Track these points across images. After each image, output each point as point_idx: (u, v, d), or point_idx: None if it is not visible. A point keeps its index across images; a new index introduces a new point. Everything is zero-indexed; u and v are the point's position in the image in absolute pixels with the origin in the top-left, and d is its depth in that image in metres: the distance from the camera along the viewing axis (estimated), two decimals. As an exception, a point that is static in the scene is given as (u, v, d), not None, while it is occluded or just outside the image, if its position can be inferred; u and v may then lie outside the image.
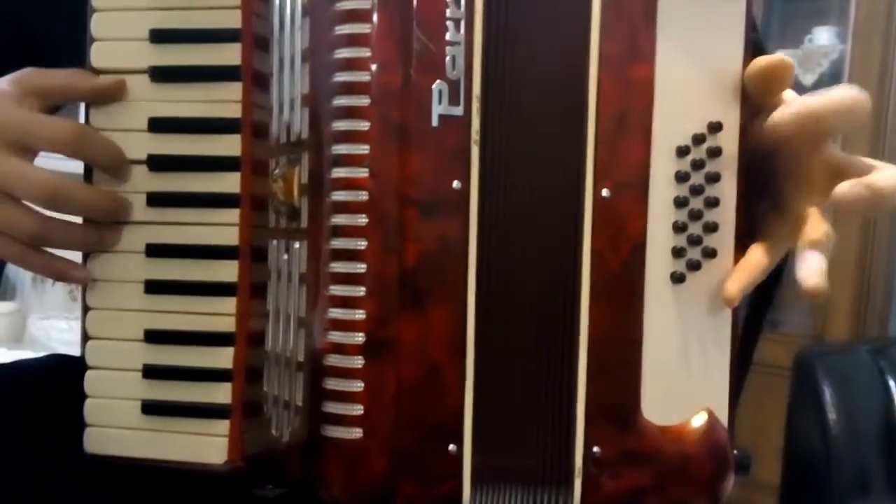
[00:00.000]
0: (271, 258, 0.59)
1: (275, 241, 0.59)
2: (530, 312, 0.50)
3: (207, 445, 0.63)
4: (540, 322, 0.50)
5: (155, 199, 0.65)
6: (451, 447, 0.49)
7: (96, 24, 0.64)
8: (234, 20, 0.62)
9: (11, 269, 3.41)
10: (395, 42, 0.50)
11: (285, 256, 0.57)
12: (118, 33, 0.64)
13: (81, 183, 0.61)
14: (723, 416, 0.52)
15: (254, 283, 0.62)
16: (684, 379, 0.52)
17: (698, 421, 0.52)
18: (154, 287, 0.65)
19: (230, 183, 0.63)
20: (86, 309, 0.66)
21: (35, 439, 0.68)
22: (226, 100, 0.63)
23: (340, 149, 0.51)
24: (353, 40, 0.50)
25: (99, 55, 0.65)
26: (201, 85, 0.64)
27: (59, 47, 0.68)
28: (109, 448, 0.65)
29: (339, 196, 0.51)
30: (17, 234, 0.61)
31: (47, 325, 1.71)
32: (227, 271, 0.63)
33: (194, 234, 0.64)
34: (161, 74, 0.64)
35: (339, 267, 0.51)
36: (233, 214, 0.63)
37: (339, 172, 0.51)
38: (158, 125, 0.64)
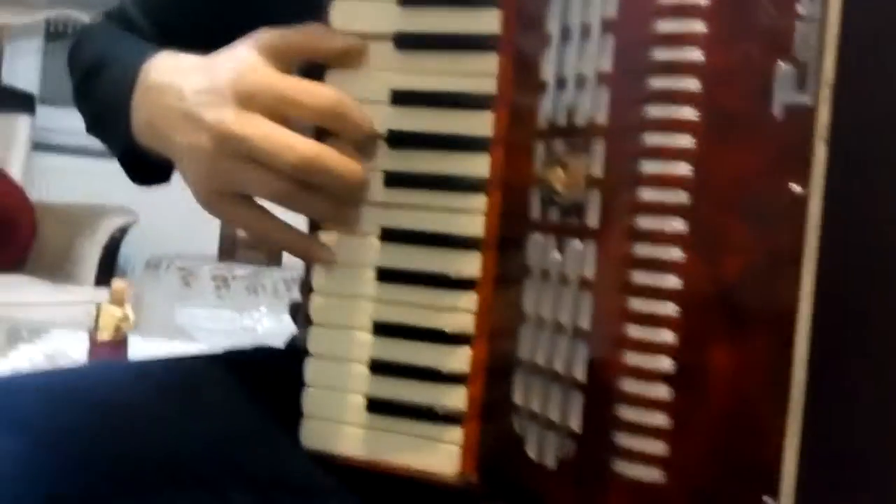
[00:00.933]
0: (532, 254, 0.52)
1: (538, 236, 0.52)
2: (882, 350, 0.42)
3: (438, 452, 0.58)
4: (890, 363, 0.42)
5: (394, 179, 0.59)
6: (766, 499, 0.41)
7: (341, -18, 0.58)
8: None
9: (123, 252, 3.45)
10: (732, 12, 0.42)
11: (557, 255, 0.50)
12: (364, -7, 0.58)
13: (337, 153, 0.56)
14: None
15: (501, 278, 0.56)
16: None
17: None
18: (387, 275, 0.59)
19: (478, 166, 0.57)
20: (308, 290, 0.61)
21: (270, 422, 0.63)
22: (479, 73, 0.56)
23: (654, 139, 0.43)
24: (680, 10, 0.42)
25: (341, 15, 0.59)
26: (452, 55, 0.57)
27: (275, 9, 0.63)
28: (329, 444, 0.60)
29: (648, 194, 0.44)
30: (264, 194, 0.57)
31: (194, 314, 1.70)
32: (470, 264, 0.57)
33: (435, 220, 0.58)
34: (408, 41, 0.58)
35: (643, 278, 0.44)
36: (479, 201, 0.57)
37: (650, 167, 0.44)
38: (401, 98, 0.58)
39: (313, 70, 0.59)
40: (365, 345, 0.60)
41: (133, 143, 0.65)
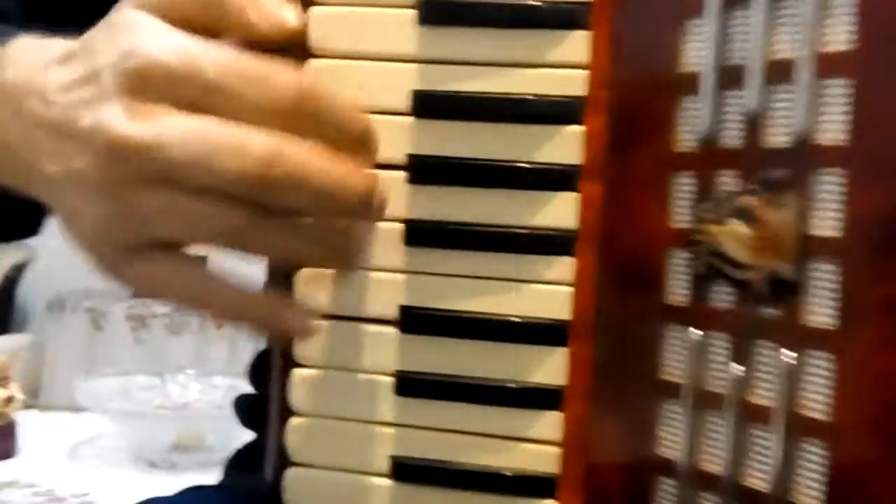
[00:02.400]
0: (671, 363, 0.31)
1: (681, 331, 0.31)
2: None
3: None
4: None
5: (419, 233, 0.37)
6: None
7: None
8: None
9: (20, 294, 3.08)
10: None
11: (735, 369, 0.29)
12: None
13: (315, 148, 0.33)
14: None
15: (605, 398, 0.35)
16: None
17: None
18: (412, 385, 0.37)
19: (560, 212, 0.36)
20: (284, 413, 0.39)
21: None
22: (556, 62, 0.35)
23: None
24: None
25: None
26: (506, 34, 0.36)
27: None
28: None
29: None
30: (198, 236, 0.34)
31: (98, 390, 1.36)
32: (547, 368, 0.36)
33: (486, 297, 0.36)
34: (436, 7, 0.36)
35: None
36: (560, 268, 0.36)
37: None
38: (426, 103, 0.36)
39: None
40: (380, 496, 0.38)
41: None
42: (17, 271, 2.96)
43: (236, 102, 0.33)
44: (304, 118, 0.33)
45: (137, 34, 0.34)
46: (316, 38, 0.37)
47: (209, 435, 1.25)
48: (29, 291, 3.16)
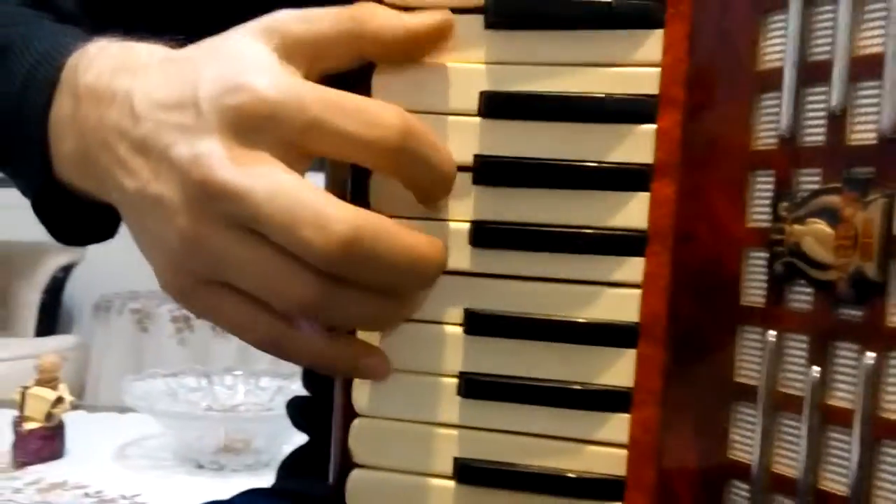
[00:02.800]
0: (748, 364, 0.31)
1: (760, 333, 0.30)
2: None
3: None
4: None
5: (484, 235, 0.37)
6: None
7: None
8: None
9: (67, 295, 3.03)
10: None
11: (814, 372, 0.28)
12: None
13: (397, 226, 0.33)
14: None
15: (677, 401, 0.34)
16: None
17: None
18: (477, 387, 0.37)
19: (630, 211, 0.35)
20: (347, 412, 0.38)
21: None
22: (629, 59, 0.35)
23: None
24: None
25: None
26: (585, 35, 0.36)
27: None
28: None
29: None
30: (281, 304, 0.33)
31: (146, 391, 1.37)
32: (617, 370, 0.35)
33: (552, 298, 0.36)
34: (504, 14, 0.36)
35: None
36: (631, 268, 0.35)
37: None
38: (498, 105, 0.36)
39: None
40: (444, 498, 0.37)
41: (54, 182, 0.41)
42: (64, 273, 2.99)
43: (338, 148, 0.33)
44: (404, 155, 0.33)
45: (246, 67, 0.33)
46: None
47: (257, 437, 1.26)
48: (75, 293, 3.19)
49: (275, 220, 0.31)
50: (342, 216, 0.31)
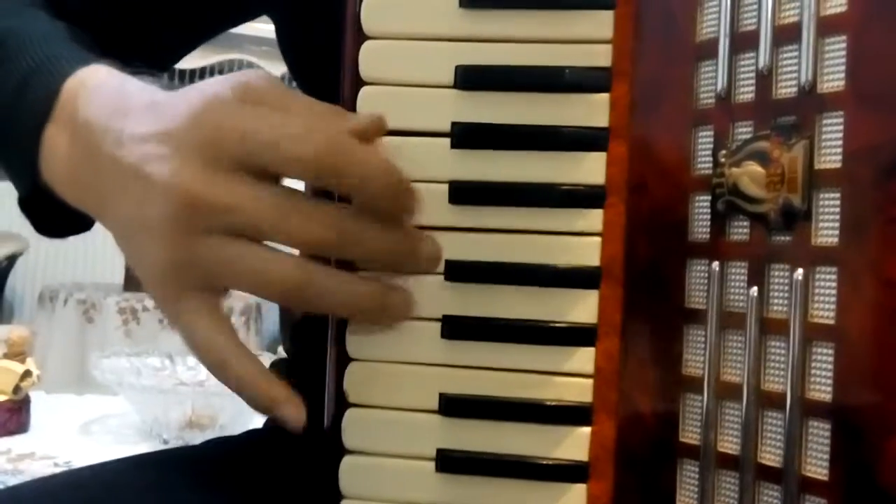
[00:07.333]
0: (697, 291, 0.36)
1: (705, 264, 0.36)
2: None
3: None
4: None
5: (462, 191, 0.41)
6: None
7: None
8: None
9: (10, 285, 2.94)
10: None
11: (753, 291, 0.34)
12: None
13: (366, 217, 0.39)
14: None
15: (637, 328, 0.39)
16: None
17: None
18: (458, 328, 0.42)
19: (590, 169, 0.40)
20: (341, 358, 0.43)
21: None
22: (584, 37, 0.40)
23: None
24: None
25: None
26: (539, 14, 0.41)
27: None
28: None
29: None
30: (265, 291, 0.39)
31: (113, 366, 1.40)
32: (583, 306, 0.40)
33: (525, 247, 0.41)
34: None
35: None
36: (592, 217, 0.40)
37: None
38: (470, 77, 0.41)
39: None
40: (427, 431, 0.42)
41: (40, 188, 0.45)
42: (8, 262, 2.90)
43: (292, 166, 0.37)
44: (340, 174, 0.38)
45: (216, 102, 0.38)
46: (369, 23, 0.42)
47: (223, 413, 1.28)
48: (18, 284, 3.09)
49: (259, 219, 0.37)
50: (326, 212, 0.38)
